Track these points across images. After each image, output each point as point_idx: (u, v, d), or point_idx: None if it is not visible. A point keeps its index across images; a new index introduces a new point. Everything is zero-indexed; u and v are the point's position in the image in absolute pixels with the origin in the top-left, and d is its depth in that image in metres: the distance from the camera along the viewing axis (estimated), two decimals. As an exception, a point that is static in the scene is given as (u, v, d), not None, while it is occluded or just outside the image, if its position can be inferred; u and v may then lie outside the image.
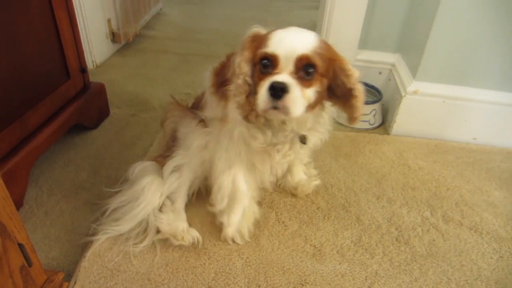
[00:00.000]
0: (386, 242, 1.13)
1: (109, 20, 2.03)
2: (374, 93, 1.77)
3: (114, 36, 2.10)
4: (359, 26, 1.70)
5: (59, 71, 1.30)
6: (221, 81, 1.05)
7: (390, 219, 1.22)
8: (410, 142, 1.61)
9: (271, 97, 0.83)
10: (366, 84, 1.80)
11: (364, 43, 1.79)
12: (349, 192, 1.33)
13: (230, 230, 1.09)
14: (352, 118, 0.96)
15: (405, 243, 1.13)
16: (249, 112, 0.92)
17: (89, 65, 1.94)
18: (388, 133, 1.67)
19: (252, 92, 0.92)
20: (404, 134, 1.64)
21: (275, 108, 0.84)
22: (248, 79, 0.91)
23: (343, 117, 1.68)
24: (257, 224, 1.16)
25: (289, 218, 1.20)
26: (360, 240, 1.14)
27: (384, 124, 1.74)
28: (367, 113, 1.67)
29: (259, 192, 1.18)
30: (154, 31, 2.55)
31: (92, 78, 1.50)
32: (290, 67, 0.84)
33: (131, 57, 2.18)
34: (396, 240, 1.14)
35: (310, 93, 0.87)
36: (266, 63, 0.86)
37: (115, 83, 1.90)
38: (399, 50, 1.78)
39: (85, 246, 1.07)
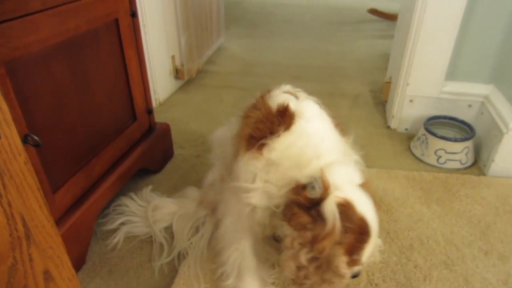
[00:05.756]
0: (509, 315, 0.92)
1: (173, 57, 1.99)
2: (464, 129, 1.56)
3: (177, 73, 2.05)
4: (447, 56, 1.52)
5: (126, 112, 1.24)
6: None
7: (507, 282, 1.01)
8: (514, 184, 1.38)
9: None
10: (455, 119, 1.60)
11: (451, 74, 1.59)
12: (449, 246, 1.12)
13: None
14: None
15: (535, 318, 0.91)
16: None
17: (153, 103, 1.89)
18: (484, 174, 1.45)
19: None
20: (505, 175, 1.41)
21: None
22: None
23: (429, 155, 1.52)
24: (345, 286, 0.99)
25: (383, 280, 1.02)
26: (475, 311, 0.93)
27: (477, 163, 1.51)
28: (458, 151, 1.46)
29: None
30: (216, 66, 2.50)
31: (156, 117, 1.41)
32: None
33: (194, 94, 2.13)
34: (522, 313, 0.92)
35: None
36: None
37: (178, 121, 1.83)
38: (493, 81, 1.56)
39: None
